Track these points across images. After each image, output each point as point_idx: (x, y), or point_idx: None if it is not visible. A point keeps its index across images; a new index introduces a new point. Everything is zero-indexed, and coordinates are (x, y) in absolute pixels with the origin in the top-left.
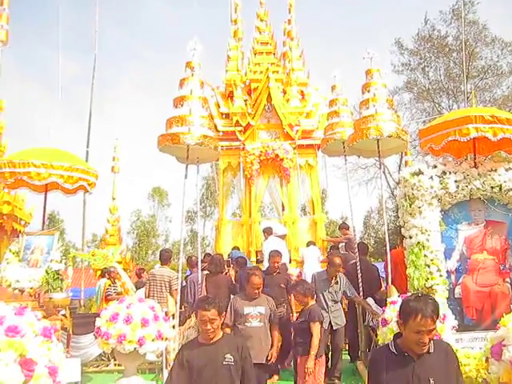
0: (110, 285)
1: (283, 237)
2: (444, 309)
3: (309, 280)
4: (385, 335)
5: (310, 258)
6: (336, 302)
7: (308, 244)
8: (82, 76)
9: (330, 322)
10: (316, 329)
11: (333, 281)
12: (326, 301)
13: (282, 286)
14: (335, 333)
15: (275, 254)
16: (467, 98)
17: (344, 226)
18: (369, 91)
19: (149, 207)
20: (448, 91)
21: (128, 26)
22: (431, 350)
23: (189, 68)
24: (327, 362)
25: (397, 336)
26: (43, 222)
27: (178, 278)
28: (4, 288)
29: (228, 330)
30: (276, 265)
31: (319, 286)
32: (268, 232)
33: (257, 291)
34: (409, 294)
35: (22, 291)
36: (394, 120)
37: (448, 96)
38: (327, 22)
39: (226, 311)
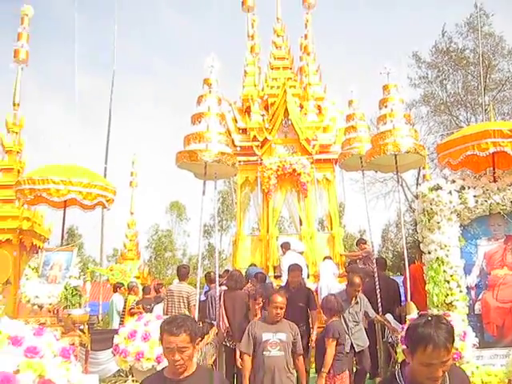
0: (134, 300)
1: (301, 253)
2: (464, 326)
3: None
4: (404, 353)
5: (326, 273)
6: (357, 323)
7: (324, 258)
8: (101, 91)
9: (351, 344)
10: (330, 345)
11: (353, 301)
12: (346, 322)
13: (301, 304)
14: (360, 355)
15: (295, 268)
16: (485, 110)
17: (361, 241)
18: (386, 106)
19: (167, 222)
20: (466, 104)
21: (146, 40)
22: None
23: (206, 85)
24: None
25: (404, 364)
26: (62, 238)
27: (196, 293)
28: (23, 304)
29: (249, 361)
30: (296, 279)
31: None
32: (286, 247)
33: (280, 312)
34: (416, 315)
35: (40, 307)
36: (412, 135)
37: (466, 109)
38: (344, 36)
39: (243, 334)
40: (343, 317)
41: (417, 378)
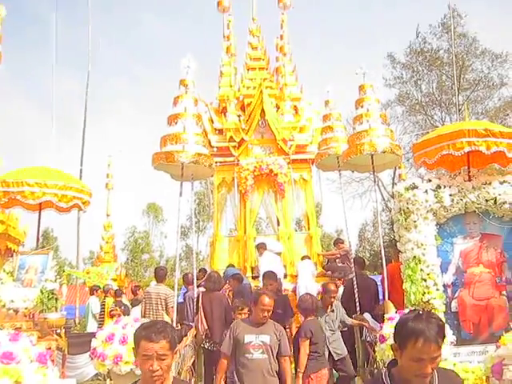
0: (113, 302)
1: (279, 254)
2: None
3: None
4: (383, 352)
5: (304, 273)
6: (334, 331)
7: (302, 258)
8: (76, 93)
9: (330, 353)
10: (302, 345)
11: (329, 309)
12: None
13: (279, 311)
14: (341, 362)
15: (269, 275)
16: (459, 110)
17: (339, 241)
18: (362, 106)
19: (144, 223)
20: (440, 104)
21: (121, 42)
22: (435, 383)
23: (182, 86)
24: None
25: (392, 364)
26: (37, 241)
27: (174, 295)
28: None
29: (225, 362)
30: (271, 287)
31: None
32: (262, 247)
33: (266, 314)
34: (406, 309)
35: (16, 311)
36: (388, 135)
37: (440, 108)
38: (319, 36)
39: (221, 335)
40: None
41: (405, 375)
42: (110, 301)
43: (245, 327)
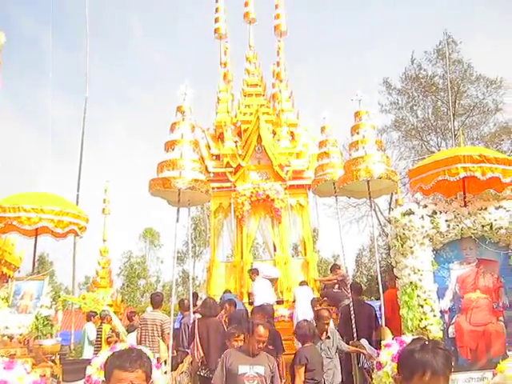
0: (110, 328)
1: (276, 280)
2: None
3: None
4: (380, 379)
5: (302, 299)
6: (331, 358)
7: (301, 283)
8: (73, 117)
9: (324, 382)
10: (297, 372)
11: (324, 336)
12: None
13: (270, 347)
14: None
15: (259, 311)
16: (455, 135)
17: (336, 267)
18: (358, 133)
19: (139, 248)
20: (436, 129)
21: (118, 67)
22: None
23: (179, 112)
24: None
25: None
26: (33, 267)
27: (170, 321)
28: None
29: None
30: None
31: None
32: (254, 273)
33: (261, 345)
34: (404, 336)
35: (10, 338)
36: (384, 161)
37: (436, 134)
38: (316, 63)
39: (217, 364)
40: None
41: None
42: (106, 327)
43: (238, 357)
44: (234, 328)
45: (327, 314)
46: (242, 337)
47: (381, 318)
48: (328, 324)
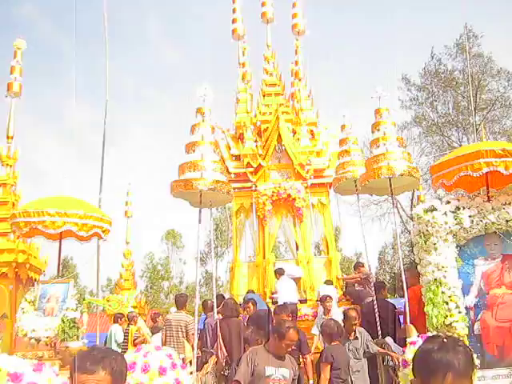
0: (136, 330)
1: (298, 279)
2: None
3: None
4: (406, 377)
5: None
6: (359, 359)
7: (326, 282)
8: (95, 122)
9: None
10: (323, 370)
11: (351, 337)
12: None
13: (293, 347)
14: None
15: (281, 310)
16: (476, 130)
17: (359, 265)
18: (379, 130)
19: (162, 250)
20: (457, 124)
21: (136, 70)
22: None
23: (199, 114)
24: None
25: None
26: (58, 270)
27: (194, 322)
28: (20, 338)
29: None
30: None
31: None
32: (279, 273)
33: (290, 349)
34: (429, 333)
35: (38, 341)
36: (405, 158)
37: (457, 129)
38: (335, 61)
39: (238, 363)
40: None
41: None
42: (133, 329)
43: (264, 357)
44: (256, 334)
45: (355, 315)
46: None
47: (404, 315)
48: (356, 324)
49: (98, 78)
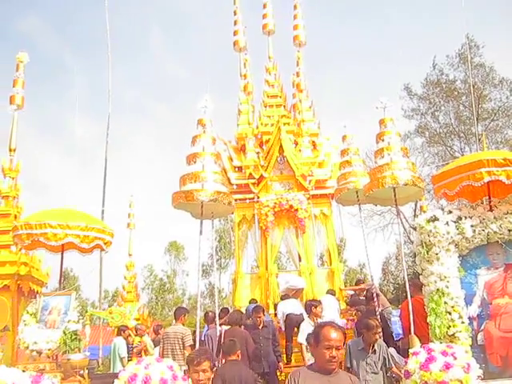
0: (139, 341)
1: (301, 290)
2: (468, 357)
3: None
4: None
5: (329, 308)
6: (376, 373)
7: (327, 292)
8: (97, 135)
9: None
10: None
11: (370, 350)
12: (363, 374)
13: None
14: None
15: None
16: (479, 140)
17: (359, 282)
18: (383, 140)
19: (165, 262)
20: (459, 134)
21: (140, 84)
22: None
23: (200, 125)
24: None
25: None
26: (60, 282)
27: (190, 333)
28: (22, 350)
29: None
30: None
31: (355, 357)
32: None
33: (335, 354)
34: (432, 344)
35: (39, 353)
36: (410, 168)
37: (459, 139)
38: (336, 72)
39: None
40: (359, 367)
41: None
42: (136, 339)
43: (311, 377)
44: (195, 352)
45: (376, 323)
46: (206, 364)
47: (403, 326)
48: (377, 333)
49: (100, 90)
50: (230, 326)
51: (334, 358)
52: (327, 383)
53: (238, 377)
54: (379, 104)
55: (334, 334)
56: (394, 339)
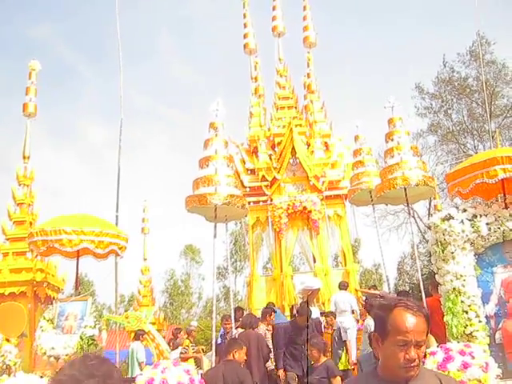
0: (187, 345)
1: (317, 291)
2: (486, 357)
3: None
4: None
5: (342, 307)
6: None
7: (340, 286)
8: (110, 140)
9: None
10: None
11: None
12: None
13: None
14: None
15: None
16: (492, 137)
17: (373, 288)
18: (392, 140)
19: (181, 265)
20: (472, 132)
21: (152, 89)
22: None
23: (212, 129)
24: None
25: None
26: (76, 288)
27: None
28: (39, 356)
29: None
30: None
31: None
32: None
33: (415, 355)
34: (449, 343)
35: (57, 359)
36: (420, 167)
37: (473, 136)
38: (347, 72)
39: (260, 374)
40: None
41: None
42: (185, 342)
43: None
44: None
45: None
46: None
47: None
48: None
49: (112, 95)
50: (243, 330)
51: (413, 361)
52: None
53: (235, 375)
54: (387, 104)
55: (412, 321)
56: None
